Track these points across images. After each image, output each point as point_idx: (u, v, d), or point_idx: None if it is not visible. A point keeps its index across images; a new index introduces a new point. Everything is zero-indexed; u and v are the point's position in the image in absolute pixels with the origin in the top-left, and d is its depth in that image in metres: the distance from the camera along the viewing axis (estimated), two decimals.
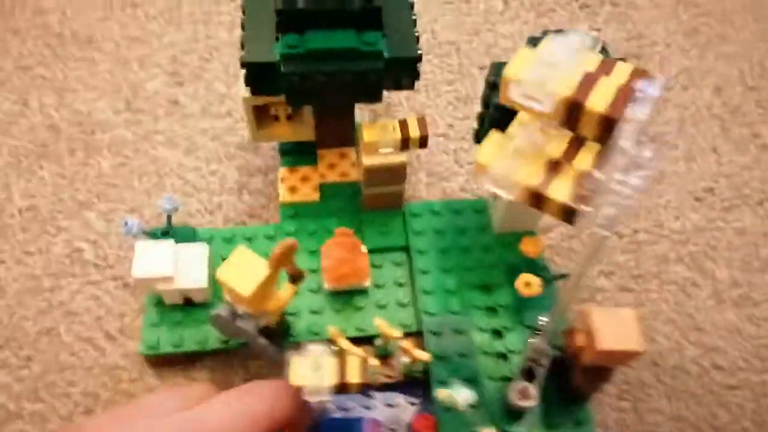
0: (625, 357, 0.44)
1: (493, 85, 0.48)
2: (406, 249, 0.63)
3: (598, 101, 0.31)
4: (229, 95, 0.79)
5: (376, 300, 0.60)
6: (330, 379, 0.49)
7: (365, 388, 0.50)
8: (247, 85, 0.55)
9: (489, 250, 0.61)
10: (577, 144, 0.34)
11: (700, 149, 0.77)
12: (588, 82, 0.31)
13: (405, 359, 0.56)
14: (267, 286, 0.50)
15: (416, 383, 0.57)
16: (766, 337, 0.64)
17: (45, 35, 0.83)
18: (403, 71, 0.55)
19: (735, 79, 0.84)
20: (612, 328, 0.44)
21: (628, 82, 0.31)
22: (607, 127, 0.30)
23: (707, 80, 0.83)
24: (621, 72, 0.32)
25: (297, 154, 0.69)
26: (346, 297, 0.60)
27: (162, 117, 0.76)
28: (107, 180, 0.71)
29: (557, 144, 0.34)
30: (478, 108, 0.78)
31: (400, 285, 0.61)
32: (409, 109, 0.78)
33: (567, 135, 0.35)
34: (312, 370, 0.48)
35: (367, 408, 0.56)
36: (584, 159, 0.34)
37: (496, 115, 0.46)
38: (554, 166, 0.33)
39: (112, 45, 0.82)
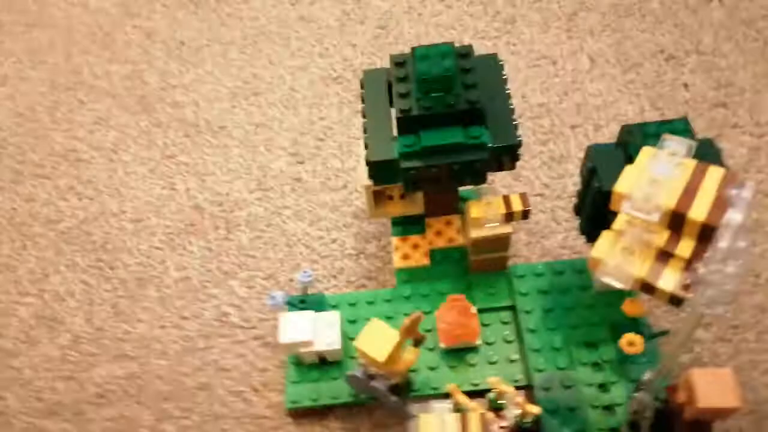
0: (724, 413, 0.49)
1: (591, 171, 0.55)
2: (512, 308, 0.70)
3: (699, 211, 0.37)
4: (343, 170, 0.89)
5: (487, 356, 0.67)
6: None
7: None
8: (370, 178, 0.65)
9: (592, 309, 0.67)
10: (679, 238, 0.41)
11: None
12: (689, 193, 0.38)
13: (516, 411, 0.63)
14: (397, 351, 0.58)
15: None
16: None
17: (183, 126, 0.97)
18: (505, 156, 0.62)
19: None
20: (711, 387, 0.49)
21: (722, 187, 0.37)
22: (708, 232, 0.36)
23: None
24: (713, 176, 0.38)
25: (407, 224, 0.77)
26: (459, 354, 0.68)
27: (288, 193, 0.87)
28: (246, 252, 0.83)
29: (662, 239, 0.41)
30: (571, 166, 0.84)
31: (509, 342, 0.68)
32: (505, 172, 0.85)
33: (669, 231, 0.41)
34: (437, 428, 0.56)
35: None
36: (686, 249, 0.40)
37: (598, 198, 0.52)
38: (661, 258, 0.40)
39: (241, 131, 0.95)
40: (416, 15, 1.07)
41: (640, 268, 0.39)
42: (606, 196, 0.53)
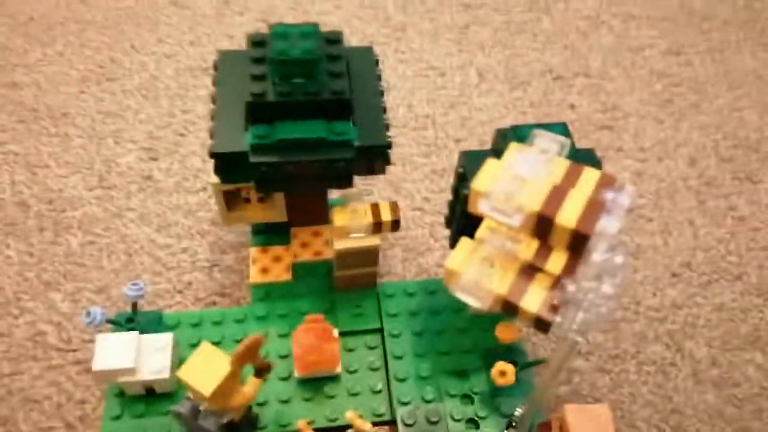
0: None
1: (461, 177, 0.48)
2: (380, 331, 0.62)
3: (568, 216, 0.30)
4: (204, 170, 0.78)
5: (349, 387, 0.59)
6: None
7: None
8: (216, 174, 0.55)
9: (464, 333, 0.60)
10: (547, 249, 0.34)
11: (677, 222, 0.77)
12: (557, 195, 0.31)
13: None
14: (230, 383, 0.48)
15: None
16: (748, 419, 0.63)
17: (19, 110, 0.83)
18: (375, 158, 0.55)
19: (710, 150, 0.85)
20: (586, 425, 0.42)
21: (597, 190, 0.31)
22: (579, 240, 0.30)
23: (682, 151, 0.84)
24: (589, 179, 0.32)
25: (270, 233, 0.68)
26: (317, 384, 0.59)
27: (134, 193, 0.75)
28: (75, 259, 0.70)
29: (527, 249, 0.34)
30: (453, 180, 0.78)
31: (374, 370, 0.60)
32: (385, 181, 0.78)
33: (536, 240, 0.35)
34: None
35: None
36: (556, 263, 0.33)
37: (465, 207, 0.46)
38: (526, 272, 0.33)
39: (87, 120, 0.82)
40: (302, 11, 0.99)
41: (500, 283, 0.32)
42: None
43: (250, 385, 0.51)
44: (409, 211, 0.76)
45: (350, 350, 0.61)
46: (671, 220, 0.77)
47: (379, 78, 0.58)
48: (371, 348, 0.61)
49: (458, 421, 0.55)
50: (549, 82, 0.91)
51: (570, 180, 0.32)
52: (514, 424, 0.48)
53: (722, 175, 0.82)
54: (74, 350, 0.64)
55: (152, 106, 0.84)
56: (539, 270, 0.33)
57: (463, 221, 0.48)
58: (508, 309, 0.33)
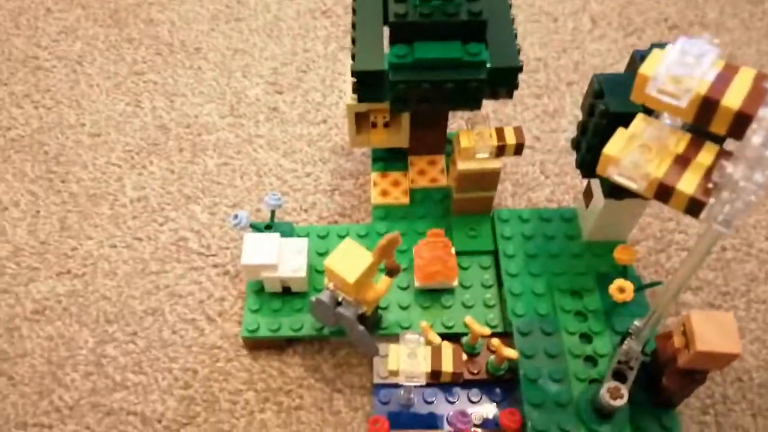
0: (723, 359, 0.45)
1: (596, 94, 0.50)
2: (493, 253, 0.65)
3: (733, 98, 0.32)
4: (325, 104, 0.83)
5: (464, 300, 0.62)
6: (425, 365, 0.51)
7: (456, 379, 0.52)
8: (354, 93, 0.59)
9: (578, 258, 0.63)
10: (697, 144, 0.36)
11: None
12: (721, 80, 0.33)
13: (491, 358, 0.58)
14: (368, 275, 0.53)
15: (499, 384, 0.58)
16: None
17: (156, 44, 0.90)
18: (503, 81, 0.58)
19: None
20: (711, 331, 0.45)
21: (757, 82, 0.33)
22: (741, 123, 0.32)
23: None
24: (747, 74, 0.34)
25: (389, 160, 0.72)
26: (433, 295, 0.63)
27: (262, 122, 0.81)
28: (211, 177, 0.76)
29: (681, 142, 0.36)
30: (564, 121, 0.80)
31: (487, 287, 0.63)
32: (497, 121, 0.81)
33: (687, 135, 0.37)
34: (408, 357, 0.51)
35: (451, 402, 0.58)
36: (706, 157, 0.35)
37: (602, 123, 0.48)
38: (680, 161, 0.35)
39: (218, 55, 0.88)
40: None
41: (657, 168, 0.35)
42: (612, 117, 0.48)
43: (382, 282, 0.56)
44: None
45: (465, 268, 0.65)
46: None
47: (510, 6, 0.60)
48: (484, 268, 0.65)
49: (572, 334, 0.58)
50: (664, 31, 0.90)
51: (729, 73, 0.34)
52: (630, 337, 0.51)
53: None
54: (213, 255, 0.70)
55: (276, 44, 0.90)
56: (693, 160, 0.36)
57: (595, 137, 0.51)
58: (662, 193, 0.35)
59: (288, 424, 0.60)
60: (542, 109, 0.82)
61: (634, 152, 0.35)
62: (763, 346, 0.64)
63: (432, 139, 0.70)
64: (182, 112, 0.82)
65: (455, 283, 0.62)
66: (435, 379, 0.52)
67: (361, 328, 0.54)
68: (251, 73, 0.86)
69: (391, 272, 0.56)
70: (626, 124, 0.39)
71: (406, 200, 0.69)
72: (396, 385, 0.58)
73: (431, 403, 0.58)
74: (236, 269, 0.69)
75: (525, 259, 0.63)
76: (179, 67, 0.87)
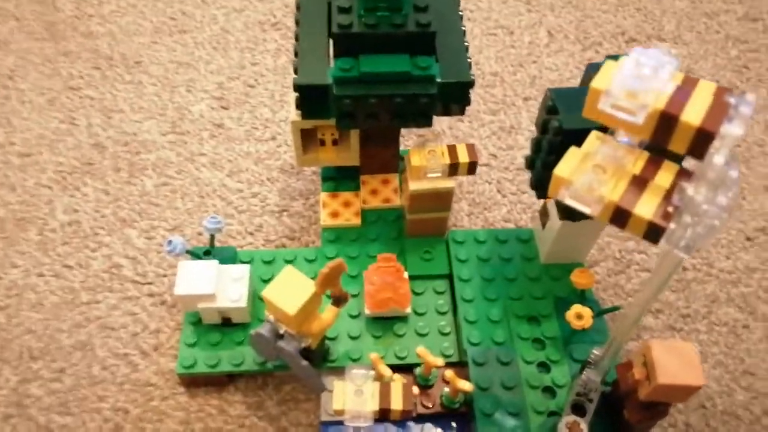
0: (685, 392, 0.42)
1: (550, 110, 0.47)
2: (448, 277, 0.62)
3: (693, 114, 0.30)
4: (274, 120, 0.79)
5: (417, 327, 0.59)
6: (372, 404, 0.47)
7: (406, 416, 0.48)
8: (298, 108, 0.55)
9: (536, 281, 0.60)
10: (655, 163, 0.33)
11: (753, 188, 0.75)
12: (680, 94, 0.30)
13: (446, 390, 0.55)
14: (312, 306, 0.49)
15: (454, 417, 0.55)
16: None
17: (94, 58, 0.85)
18: (455, 96, 0.55)
19: None
20: (672, 362, 0.42)
21: (718, 96, 0.30)
22: (702, 141, 0.29)
23: (757, 117, 0.82)
24: (706, 88, 0.31)
25: (339, 179, 0.69)
26: (386, 323, 0.59)
27: (207, 140, 0.77)
28: (150, 199, 0.71)
29: (638, 163, 0.33)
30: (521, 138, 0.78)
31: (442, 313, 0.60)
32: (452, 137, 0.78)
33: (644, 154, 0.34)
34: (354, 395, 0.47)
35: None
36: (665, 177, 0.33)
37: (556, 140, 0.45)
38: (637, 183, 0.32)
39: (161, 69, 0.84)
40: None
41: (612, 191, 0.32)
42: (566, 134, 0.46)
43: (329, 312, 0.52)
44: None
45: (418, 294, 0.61)
46: (747, 186, 0.75)
47: (461, 18, 0.58)
48: (439, 293, 0.61)
49: (530, 363, 0.54)
50: (621, 44, 0.89)
51: (688, 86, 0.31)
52: (589, 366, 0.48)
53: None
54: (149, 283, 0.65)
55: (222, 57, 0.86)
56: (651, 181, 0.33)
57: (549, 156, 0.48)
58: (618, 217, 0.32)
59: None
60: (499, 126, 0.79)
61: (588, 173, 0.32)
62: (726, 371, 0.61)
63: (384, 157, 0.66)
64: (120, 129, 0.78)
65: (408, 310, 0.59)
66: (384, 417, 0.48)
67: (305, 363, 0.50)
68: (196, 87, 0.82)
69: (338, 301, 0.52)
70: (581, 142, 0.36)
71: (357, 221, 0.66)
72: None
73: None
74: (174, 299, 0.64)
75: (481, 283, 0.60)
76: (118, 82, 0.83)
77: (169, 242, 0.57)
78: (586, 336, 0.55)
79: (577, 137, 0.40)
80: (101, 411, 0.58)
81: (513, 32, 0.90)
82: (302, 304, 0.48)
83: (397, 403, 0.47)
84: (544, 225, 0.60)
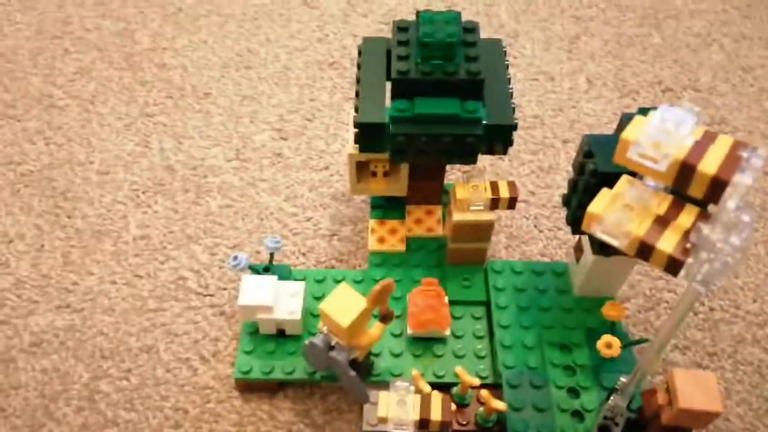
0: (704, 417, 0.46)
1: (586, 154, 0.52)
2: (485, 304, 0.67)
3: (709, 164, 0.35)
4: (327, 152, 0.86)
5: (455, 349, 0.63)
6: (414, 413, 0.52)
7: (445, 428, 0.53)
8: (356, 143, 0.61)
9: (568, 312, 0.64)
10: (678, 206, 0.38)
11: None
12: (699, 147, 0.35)
13: (481, 409, 0.59)
14: (362, 321, 0.54)
15: None
16: None
17: (168, 88, 0.94)
18: (499, 137, 0.60)
19: None
20: (693, 389, 0.46)
21: (733, 150, 0.35)
22: (716, 188, 0.34)
23: None
24: (724, 142, 0.36)
25: (387, 208, 0.74)
26: (425, 344, 0.64)
27: (266, 167, 0.84)
28: (214, 218, 0.78)
29: (662, 205, 0.38)
30: (559, 177, 0.82)
31: (479, 337, 0.64)
32: (493, 175, 0.83)
33: (669, 198, 0.39)
34: (397, 404, 0.52)
35: None
36: (686, 218, 0.37)
37: (592, 181, 0.50)
38: (660, 222, 0.37)
39: (227, 101, 0.92)
40: None
41: (638, 227, 0.37)
42: (601, 177, 0.51)
43: (376, 328, 0.57)
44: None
45: (457, 318, 0.66)
46: None
47: (507, 67, 0.64)
48: (476, 318, 0.66)
49: (560, 388, 0.58)
50: (658, 93, 0.94)
51: (706, 140, 0.36)
52: (618, 390, 0.51)
53: None
54: (211, 295, 0.72)
55: (283, 92, 0.93)
56: (673, 221, 0.38)
57: (585, 196, 0.53)
58: (643, 250, 0.37)
59: None
60: (537, 165, 0.84)
61: (617, 211, 0.37)
62: (749, 408, 0.64)
63: (429, 189, 0.72)
64: (189, 154, 0.85)
65: (447, 332, 0.64)
66: (423, 428, 0.53)
67: (353, 373, 0.55)
68: (258, 119, 0.89)
69: (385, 318, 0.57)
70: (613, 184, 0.41)
71: (402, 248, 0.71)
72: None
73: None
74: (232, 310, 0.70)
75: (516, 311, 0.64)
76: (189, 111, 0.90)
77: (235, 257, 0.63)
78: (615, 365, 0.59)
79: (610, 180, 0.45)
80: (163, 409, 0.63)
81: (554, 78, 0.95)
82: (354, 317, 0.53)
83: (436, 414, 0.52)
84: (578, 260, 0.64)
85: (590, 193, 0.51)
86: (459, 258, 0.68)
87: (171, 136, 0.87)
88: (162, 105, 0.91)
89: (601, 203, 0.38)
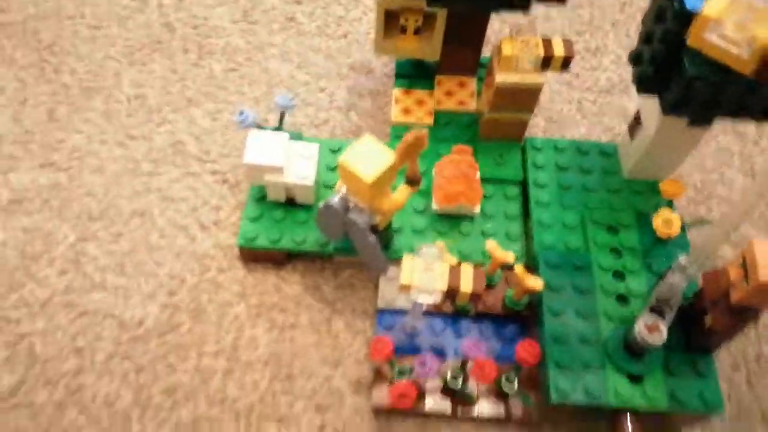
0: None
1: (658, 16, 0.43)
2: (521, 184, 0.59)
3: None
4: (346, 19, 0.77)
5: (484, 229, 0.57)
6: (441, 282, 0.45)
7: (475, 301, 0.46)
8: None
9: (616, 193, 0.57)
10: None
11: None
12: None
13: (510, 291, 0.52)
14: (387, 179, 0.47)
15: (513, 321, 0.53)
16: None
17: None
18: None
19: None
20: None
21: None
22: None
23: None
24: None
25: (413, 77, 0.66)
26: (452, 221, 0.57)
27: (277, 31, 0.75)
28: (217, 83, 0.70)
29: None
30: (606, 60, 0.73)
31: (512, 219, 0.57)
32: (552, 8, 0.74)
33: None
34: (424, 271, 0.45)
35: (459, 336, 0.52)
36: None
37: (675, 27, 0.41)
38: None
39: None
40: None
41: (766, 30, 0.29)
42: (686, 19, 0.42)
43: (401, 192, 0.50)
44: (555, 83, 0.72)
45: (488, 197, 0.59)
46: None
47: None
48: (510, 198, 0.59)
49: (605, 270, 0.52)
50: None
51: None
52: (676, 269, 0.45)
53: None
54: (212, 161, 0.64)
55: None
56: None
57: (662, 46, 0.44)
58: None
59: (280, 342, 0.54)
60: (584, 46, 0.75)
61: (740, 12, 0.29)
62: None
63: (465, 56, 0.63)
64: (191, 12, 0.76)
65: (477, 209, 0.56)
66: (450, 299, 0.46)
67: (373, 237, 0.48)
68: None
69: (412, 182, 0.50)
70: None
71: (430, 121, 0.63)
72: (401, 312, 0.52)
73: (438, 335, 0.52)
74: (236, 179, 0.63)
75: (557, 189, 0.57)
76: None
77: (241, 113, 0.55)
78: (667, 250, 0.52)
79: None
80: (157, 276, 0.57)
81: None
82: (380, 172, 0.45)
83: (467, 285, 0.45)
84: (632, 135, 0.56)
85: (669, 43, 0.43)
86: (495, 131, 0.60)
87: None
88: None
89: (718, 5, 0.30)
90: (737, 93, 0.43)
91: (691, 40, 0.33)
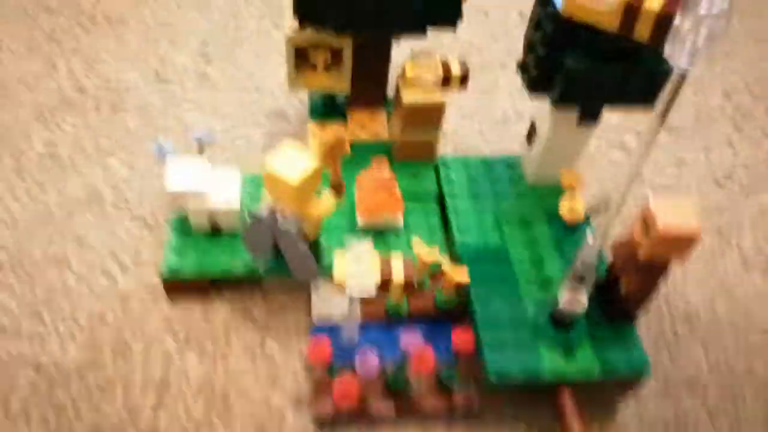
0: (683, 243, 0.43)
1: (543, 2, 0.50)
2: (438, 200, 0.63)
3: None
4: (257, 75, 0.80)
5: (409, 241, 0.59)
6: (374, 275, 0.46)
7: (409, 290, 0.48)
8: (295, 13, 0.57)
9: (525, 196, 0.61)
10: None
11: (716, 143, 0.79)
12: None
13: (440, 289, 0.54)
14: (312, 183, 0.48)
15: (447, 325, 0.54)
16: None
17: (77, 15, 0.85)
18: (446, 7, 0.57)
19: (742, 89, 0.87)
20: (670, 214, 0.43)
21: None
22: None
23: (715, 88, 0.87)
24: None
25: (327, 113, 0.69)
26: (377, 237, 0.59)
27: (191, 89, 0.77)
28: (133, 135, 0.70)
29: None
30: (500, 97, 0.80)
31: (433, 230, 0.60)
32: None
33: None
34: (356, 266, 0.46)
35: (396, 339, 0.53)
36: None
37: (550, 27, 0.48)
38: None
39: (143, 26, 0.84)
40: None
41: None
42: (558, 22, 0.48)
43: (327, 197, 0.51)
44: (460, 119, 0.77)
45: (409, 211, 0.61)
46: (712, 141, 0.79)
47: None
48: (429, 211, 0.61)
49: (523, 261, 0.55)
50: None
51: None
52: (584, 248, 0.48)
53: (757, 110, 0.84)
54: (131, 208, 0.64)
55: (205, 19, 0.87)
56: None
57: (543, 49, 0.50)
58: (629, 14, 0.34)
59: (212, 371, 0.52)
60: (477, 87, 0.82)
61: None
62: (708, 289, 0.63)
63: (373, 87, 0.67)
64: (103, 76, 0.77)
65: (401, 221, 0.59)
66: (383, 290, 0.47)
67: (303, 244, 0.49)
68: (180, 42, 0.83)
69: (336, 188, 0.52)
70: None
71: (347, 151, 0.66)
72: (336, 329, 0.52)
73: (375, 342, 0.52)
74: (156, 221, 0.63)
75: (471, 197, 0.61)
76: (101, 37, 0.82)
77: (158, 144, 0.56)
78: (576, 236, 0.56)
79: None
80: (77, 319, 0.55)
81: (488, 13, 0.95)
82: (305, 175, 0.47)
83: (398, 275, 0.47)
84: (530, 142, 0.62)
85: (549, 45, 0.49)
86: (408, 152, 0.64)
87: (82, 60, 0.79)
88: (71, 33, 0.83)
89: None
90: (613, 79, 0.50)
91: (564, 9, 0.37)
